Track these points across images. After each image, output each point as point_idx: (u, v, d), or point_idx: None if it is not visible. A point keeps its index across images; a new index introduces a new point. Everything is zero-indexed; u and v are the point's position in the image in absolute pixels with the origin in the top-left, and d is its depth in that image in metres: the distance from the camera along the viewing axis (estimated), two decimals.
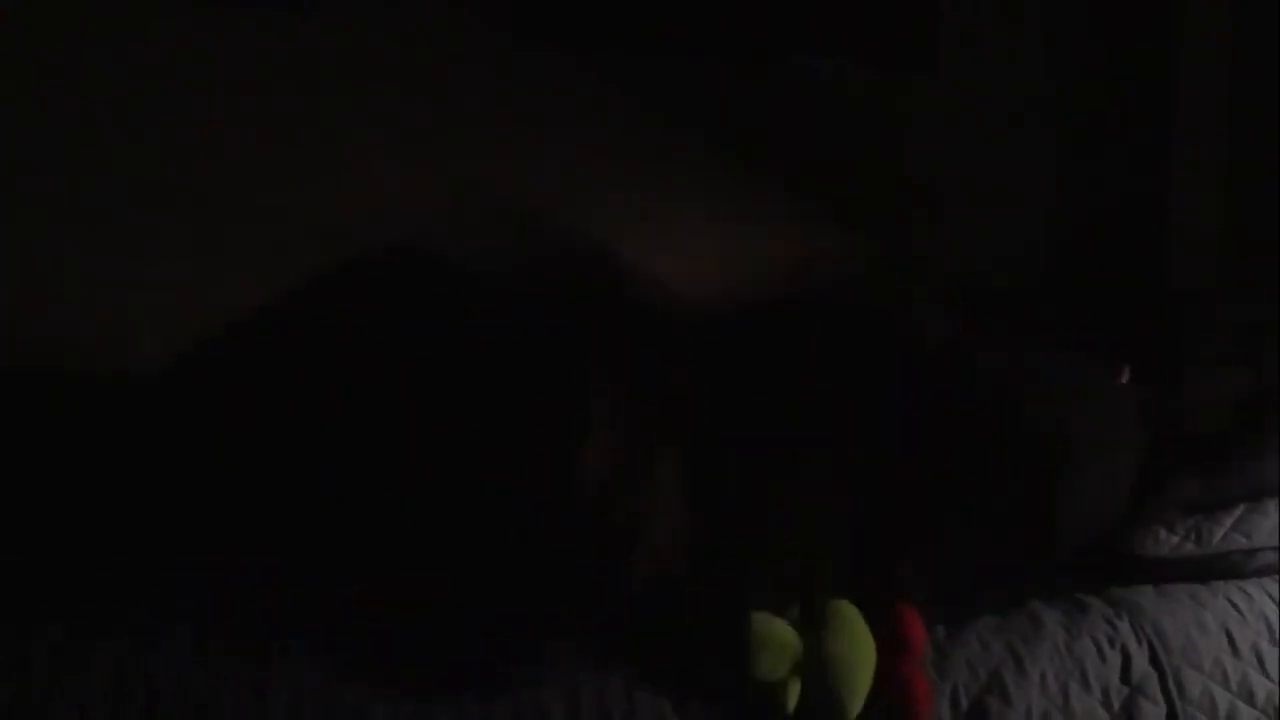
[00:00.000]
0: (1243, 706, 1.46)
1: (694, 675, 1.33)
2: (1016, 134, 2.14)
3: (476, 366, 1.43)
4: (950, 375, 1.57)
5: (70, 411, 1.50)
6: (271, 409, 1.40)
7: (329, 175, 1.81)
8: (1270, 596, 1.54)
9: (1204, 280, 2.15)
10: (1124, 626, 1.46)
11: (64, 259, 1.73)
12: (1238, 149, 2.15)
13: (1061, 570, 1.55)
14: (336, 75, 1.82)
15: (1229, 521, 1.59)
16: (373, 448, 1.38)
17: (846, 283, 2.00)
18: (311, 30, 1.80)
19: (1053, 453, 1.52)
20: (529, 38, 1.89)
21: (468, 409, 1.39)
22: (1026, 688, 1.40)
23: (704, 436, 1.46)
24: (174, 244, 1.77)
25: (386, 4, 1.84)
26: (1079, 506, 1.53)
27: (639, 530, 1.36)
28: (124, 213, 1.76)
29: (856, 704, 1.33)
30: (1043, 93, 2.14)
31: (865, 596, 1.42)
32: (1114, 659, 1.44)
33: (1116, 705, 1.43)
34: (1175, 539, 1.55)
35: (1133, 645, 1.45)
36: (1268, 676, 1.48)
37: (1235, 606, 1.52)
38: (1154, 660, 1.45)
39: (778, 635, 1.34)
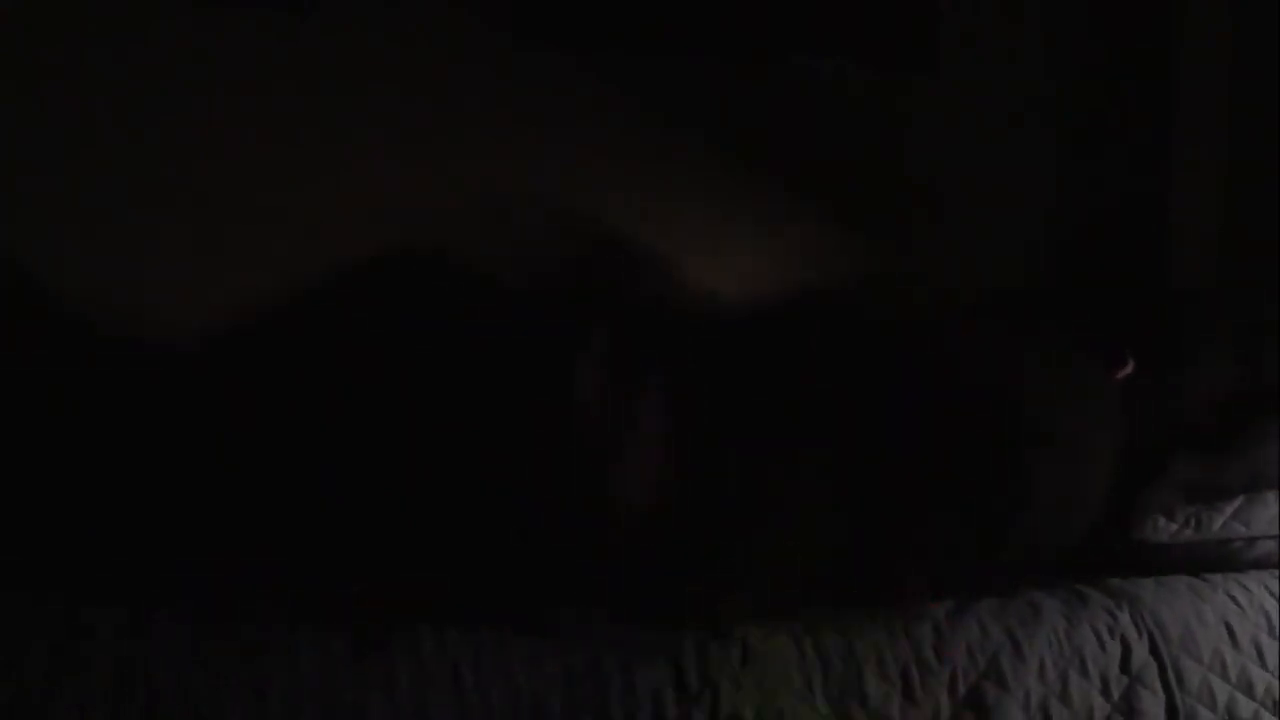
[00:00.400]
0: (1242, 698, 1.47)
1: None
2: (1016, 134, 2.14)
3: (475, 365, 1.43)
4: (937, 369, 1.57)
5: (68, 411, 1.50)
6: (272, 408, 1.40)
7: (329, 175, 1.81)
8: (1269, 591, 1.54)
9: (1204, 280, 2.15)
10: (1124, 617, 1.47)
11: (64, 259, 1.73)
12: (1238, 149, 2.15)
13: (1059, 559, 1.55)
14: (336, 75, 1.82)
15: (1229, 510, 1.60)
16: (373, 447, 1.38)
17: (846, 282, 2.00)
18: (311, 30, 1.80)
19: (1027, 439, 1.53)
20: (529, 38, 1.89)
21: (463, 398, 1.39)
22: (1025, 674, 1.40)
23: (695, 416, 1.47)
24: (174, 244, 1.77)
25: (386, 4, 1.84)
26: (1054, 491, 1.53)
27: (620, 449, 1.37)
28: (124, 213, 1.76)
29: None
30: (1043, 93, 2.14)
31: (861, 590, 1.43)
32: (1114, 648, 1.44)
33: (1116, 694, 1.43)
34: (1175, 526, 1.56)
35: (1132, 635, 1.46)
36: (1267, 669, 1.48)
37: (1234, 600, 1.53)
38: (1154, 651, 1.45)
39: None
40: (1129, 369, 1.70)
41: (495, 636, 1.31)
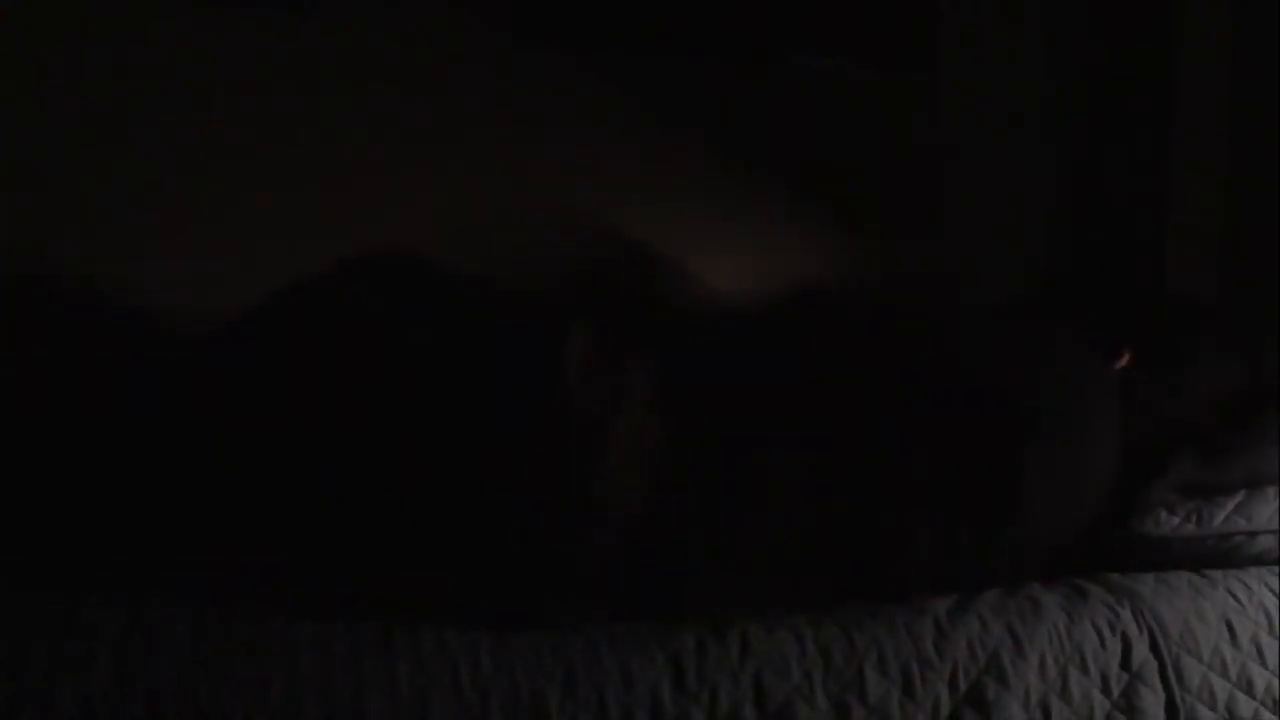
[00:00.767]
0: (1241, 697, 1.47)
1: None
2: (1016, 134, 2.14)
3: (467, 363, 1.43)
4: (934, 364, 1.57)
5: (67, 409, 1.50)
6: (269, 406, 1.39)
7: (329, 175, 1.82)
8: (1269, 588, 1.54)
9: (1204, 280, 2.15)
10: (1125, 613, 1.47)
11: (63, 260, 1.73)
12: (1238, 149, 2.15)
13: (1059, 555, 1.55)
14: (336, 75, 1.83)
15: (1230, 505, 1.60)
16: (368, 446, 1.37)
17: (844, 281, 2.01)
18: (311, 30, 1.80)
19: (1018, 425, 1.53)
20: (529, 38, 1.89)
21: (456, 396, 1.39)
22: (1025, 671, 1.40)
23: (692, 413, 1.47)
24: (173, 244, 1.77)
25: (386, 4, 1.84)
26: (1051, 484, 1.53)
27: (616, 448, 1.37)
28: (124, 213, 1.76)
29: None
30: (1043, 93, 2.14)
31: (861, 586, 1.43)
32: (1114, 645, 1.44)
33: (1116, 692, 1.43)
34: (1175, 521, 1.56)
35: (1133, 632, 1.45)
36: (1266, 667, 1.48)
37: (1235, 597, 1.52)
38: (1154, 648, 1.45)
39: None
40: (1126, 360, 1.70)
41: (495, 635, 1.31)
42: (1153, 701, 1.43)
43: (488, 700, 1.26)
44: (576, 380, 1.37)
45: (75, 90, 1.72)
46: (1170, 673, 1.45)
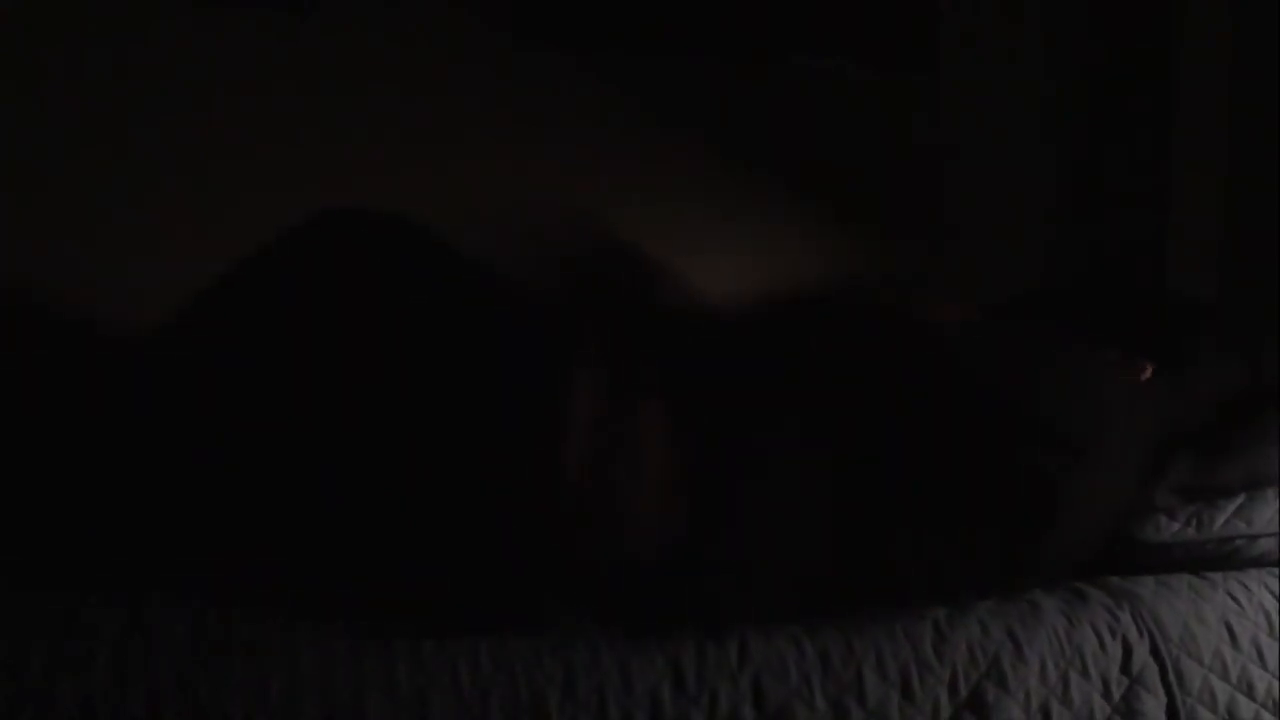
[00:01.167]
0: (1242, 699, 1.46)
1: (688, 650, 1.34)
2: (1016, 134, 2.14)
3: (470, 365, 1.42)
4: (943, 371, 1.55)
5: (66, 409, 1.50)
6: (267, 404, 1.38)
7: (329, 175, 1.82)
8: (1269, 590, 1.54)
9: (1204, 280, 2.15)
10: (1125, 617, 1.46)
11: (64, 260, 1.73)
12: (1238, 149, 2.15)
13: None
14: (336, 75, 1.83)
15: (1230, 509, 1.59)
16: (346, 429, 1.36)
17: (846, 283, 2.00)
18: (311, 30, 1.80)
19: (1059, 448, 1.51)
20: (529, 38, 1.89)
21: (453, 398, 1.38)
22: (1025, 675, 1.40)
23: (693, 418, 1.46)
24: (173, 244, 1.77)
25: (386, 4, 1.84)
26: (1084, 507, 1.52)
27: (621, 491, 1.36)
28: (124, 213, 1.76)
29: None
30: (1043, 93, 2.14)
31: (863, 596, 1.42)
32: (1115, 649, 1.44)
33: (1116, 696, 1.42)
34: (1176, 525, 1.56)
35: (1133, 636, 1.45)
36: (1267, 669, 1.48)
37: (1234, 599, 1.52)
38: (1154, 652, 1.45)
39: None
40: (1148, 372, 1.69)
41: (494, 636, 1.31)
42: (1153, 705, 1.43)
43: (487, 700, 1.26)
44: (584, 424, 1.35)
45: (75, 90, 1.73)
46: (1171, 676, 1.44)
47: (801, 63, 2.02)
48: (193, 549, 1.37)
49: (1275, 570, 1.57)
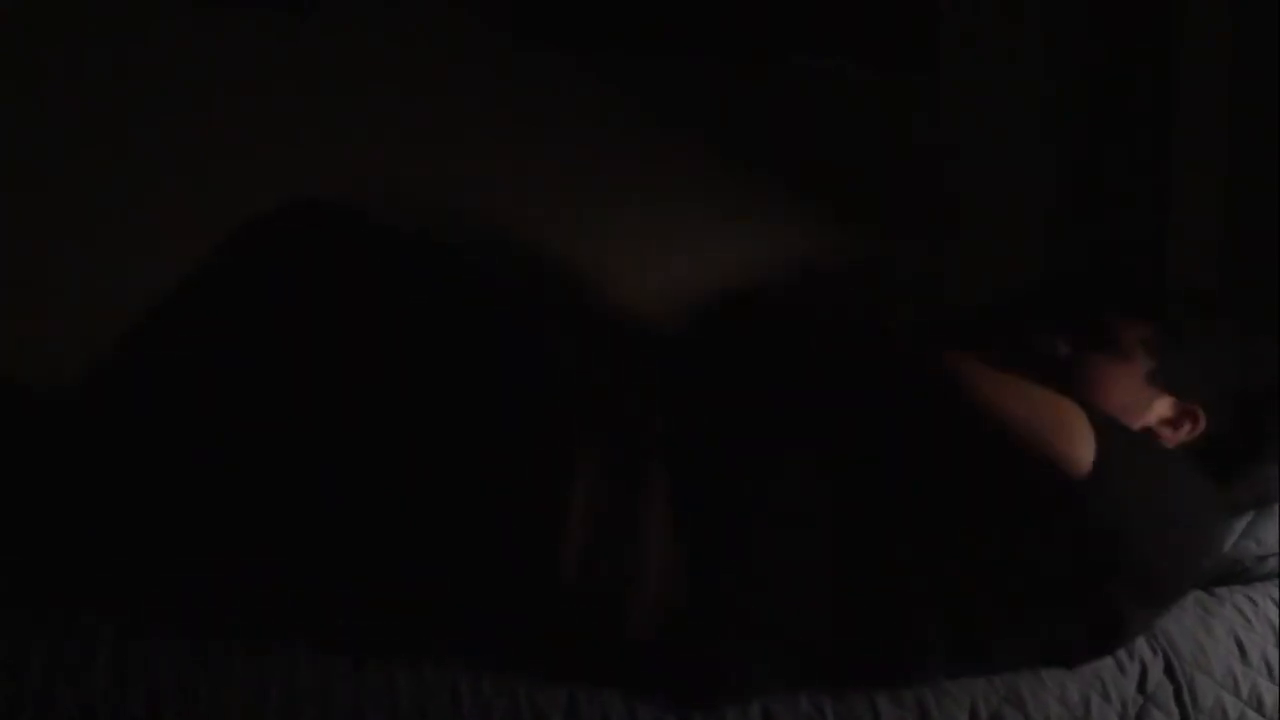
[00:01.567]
0: (1252, 714, 1.46)
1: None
2: (1016, 134, 2.14)
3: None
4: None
5: (66, 409, 1.50)
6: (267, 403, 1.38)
7: (329, 175, 1.81)
8: (1274, 601, 1.54)
9: (1204, 280, 2.15)
10: (1139, 637, 1.46)
11: (63, 260, 1.73)
12: (1238, 149, 2.14)
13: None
14: (336, 75, 1.82)
15: (1239, 528, 1.59)
16: (352, 437, 1.35)
17: (846, 284, 2.00)
18: (311, 30, 1.80)
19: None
20: (529, 38, 1.89)
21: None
22: (1045, 699, 1.39)
23: (693, 466, 1.42)
24: (173, 244, 1.77)
25: (386, 4, 1.84)
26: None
27: (629, 586, 1.33)
28: (124, 213, 1.76)
29: None
30: (1043, 93, 2.14)
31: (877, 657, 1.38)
32: (1132, 670, 1.43)
33: (1131, 715, 1.41)
34: None
35: (1147, 655, 1.44)
36: (1274, 682, 1.48)
37: (1242, 613, 1.52)
38: (1168, 670, 1.44)
39: None
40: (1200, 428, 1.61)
41: (497, 655, 1.31)
42: None
43: (488, 718, 1.26)
44: (583, 520, 1.32)
45: (75, 90, 1.73)
46: (1185, 695, 1.43)
47: (801, 63, 2.02)
48: (191, 549, 1.37)
49: (1278, 581, 1.57)
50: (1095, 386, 1.57)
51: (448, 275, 1.51)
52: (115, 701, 1.23)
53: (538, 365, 1.43)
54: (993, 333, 1.66)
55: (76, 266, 1.74)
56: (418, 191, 1.85)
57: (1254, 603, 1.53)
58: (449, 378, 1.39)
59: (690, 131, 1.98)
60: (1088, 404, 1.50)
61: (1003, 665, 1.41)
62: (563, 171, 1.93)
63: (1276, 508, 1.60)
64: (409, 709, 1.25)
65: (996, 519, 1.41)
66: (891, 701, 1.35)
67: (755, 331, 1.76)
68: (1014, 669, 1.40)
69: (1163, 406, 1.60)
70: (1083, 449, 1.39)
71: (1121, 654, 1.43)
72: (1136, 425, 1.58)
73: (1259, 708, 1.46)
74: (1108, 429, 1.43)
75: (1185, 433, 1.59)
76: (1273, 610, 1.52)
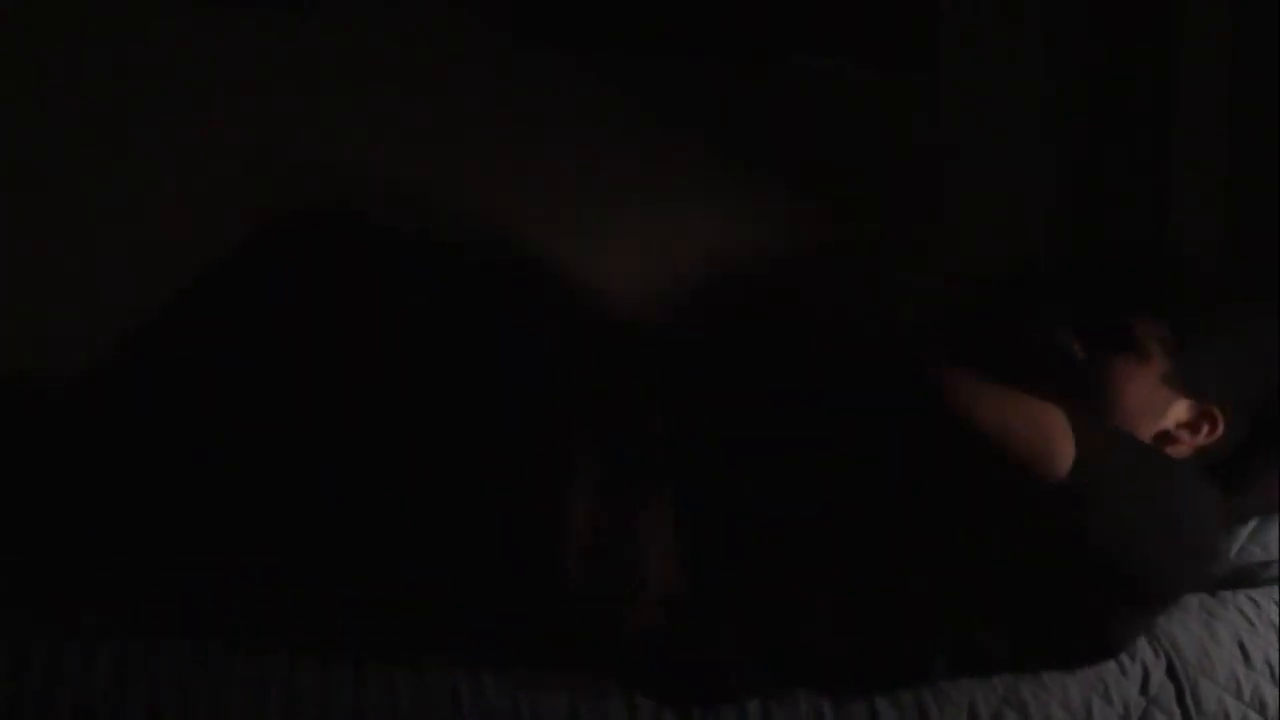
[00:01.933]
0: (1255, 717, 1.46)
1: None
2: (1016, 134, 2.14)
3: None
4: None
5: (66, 409, 1.50)
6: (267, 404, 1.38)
7: (329, 175, 1.82)
8: (1278, 605, 1.54)
9: (1204, 280, 2.15)
10: (1141, 639, 1.45)
11: (64, 260, 1.73)
12: (1238, 149, 2.14)
13: None
14: (336, 75, 1.82)
15: (1244, 534, 1.59)
16: (354, 439, 1.36)
17: (846, 283, 2.00)
18: (311, 30, 1.80)
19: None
20: (529, 38, 1.89)
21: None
22: (1046, 701, 1.39)
23: (693, 467, 1.43)
24: (173, 244, 1.77)
25: (386, 4, 1.84)
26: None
27: (631, 589, 1.33)
28: (124, 213, 1.76)
29: None
30: (1043, 93, 2.14)
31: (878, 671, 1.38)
32: (1134, 672, 1.43)
33: (1134, 718, 1.41)
34: None
35: (1150, 658, 1.44)
36: (1277, 685, 1.47)
37: (1245, 616, 1.52)
38: (1170, 672, 1.44)
39: None
40: (1219, 431, 1.61)
41: (498, 660, 1.30)
42: None
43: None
44: (583, 533, 1.33)
45: (75, 90, 1.72)
46: (1188, 698, 1.43)
47: (801, 63, 2.02)
48: (192, 550, 1.37)
49: None
50: (1112, 388, 1.57)
51: (447, 276, 1.51)
52: (115, 701, 1.23)
53: (537, 366, 1.44)
54: (1006, 333, 1.66)
55: (76, 266, 1.74)
56: (418, 191, 1.85)
57: (1257, 605, 1.53)
58: (449, 378, 1.40)
59: (690, 131, 1.98)
60: (1103, 406, 1.50)
61: (1002, 666, 1.41)
62: (563, 171, 1.92)
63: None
64: (409, 711, 1.25)
65: (989, 520, 1.41)
66: (890, 704, 1.35)
67: (755, 331, 1.77)
68: (1014, 671, 1.40)
69: (1180, 409, 1.59)
70: (1061, 450, 1.39)
71: (1124, 656, 1.43)
72: (1154, 428, 1.58)
73: (1261, 710, 1.46)
74: (1090, 431, 1.43)
75: (1204, 435, 1.59)
76: (1276, 613, 1.52)
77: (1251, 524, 1.59)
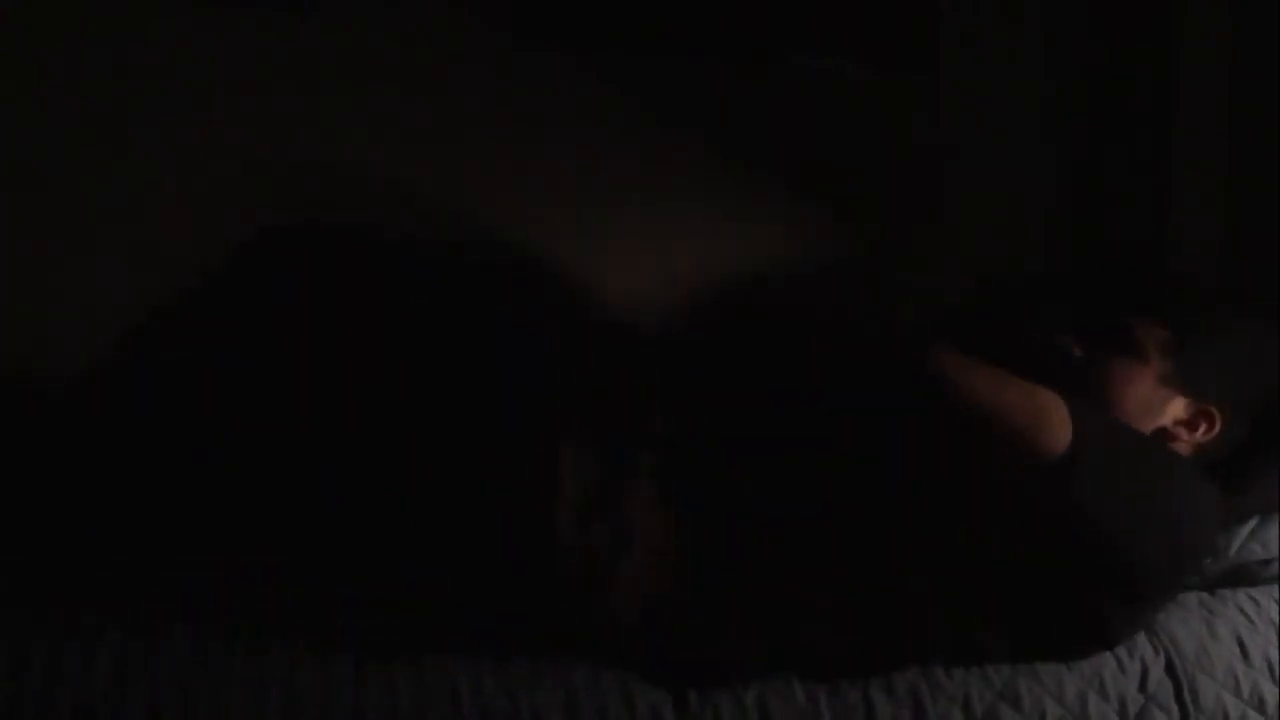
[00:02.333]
0: (1253, 714, 1.46)
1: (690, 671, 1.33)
2: (1016, 134, 2.14)
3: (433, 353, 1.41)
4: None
5: (55, 412, 1.50)
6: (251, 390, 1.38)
7: (329, 175, 1.82)
8: (1277, 603, 1.54)
9: (1204, 280, 2.15)
10: (1141, 636, 1.46)
11: (63, 260, 1.73)
12: (1238, 149, 2.14)
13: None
14: (336, 75, 1.83)
15: (1244, 533, 1.59)
16: (349, 439, 1.36)
17: (846, 284, 2.00)
18: (311, 30, 1.80)
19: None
20: (529, 38, 1.89)
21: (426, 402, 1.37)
22: (1041, 695, 1.39)
23: (684, 458, 1.43)
24: (173, 244, 1.77)
25: (386, 4, 1.84)
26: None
27: (619, 555, 1.34)
28: (124, 213, 1.76)
29: None
30: (1043, 93, 2.14)
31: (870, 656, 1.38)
32: (1133, 668, 1.43)
33: (1132, 714, 1.41)
34: None
35: (1149, 654, 1.44)
36: (1276, 683, 1.48)
37: (1245, 614, 1.52)
38: (1169, 669, 1.44)
39: None
40: (1217, 429, 1.62)
41: (496, 655, 1.31)
42: None
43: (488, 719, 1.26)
44: (571, 505, 1.33)
45: (75, 90, 1.73)
46: (1186, 694, 1.43)
47: (801, 63, 2.02)
48: (192, 550, 1.37)
49: None
50: (1111, 388, 1.57)
51: (447, 276, 1.51)
52: (115, 701, 1.23)
53: (536, 366, 1.44)
54: (1003, 332, 1.66)
55: (76, 266, 1.74)
56: (418, 191, 1.85)
57: (1256, 603, 1.53)
58: (448, 379, 1.40)
59: (690, 131, 1.98)
60: (1102, 405, 1.50)
61: (999, 658, 1.41)
62: (563, 171, 1.92)
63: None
64: (409, 709, 1.25)
65: (986, 509, 1.42)
66: (886, 696, 1.36)
67: (755, 331, 1.77)
68: (1011, 662, 1.41)
69: (1178, 407, 1.60)
70: (1057, 427, 1.40)
71: (1122, 652, 1.43)
72: (1152, 426, 1.58)
73: (1260, 707, 1.46)
74: (1089, 418, 1.44)
75: (1202, 433, 1.59)
76: (1275, 611, 1.53)
77: (1251, 523, 1.60)
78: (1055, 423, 1.41)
